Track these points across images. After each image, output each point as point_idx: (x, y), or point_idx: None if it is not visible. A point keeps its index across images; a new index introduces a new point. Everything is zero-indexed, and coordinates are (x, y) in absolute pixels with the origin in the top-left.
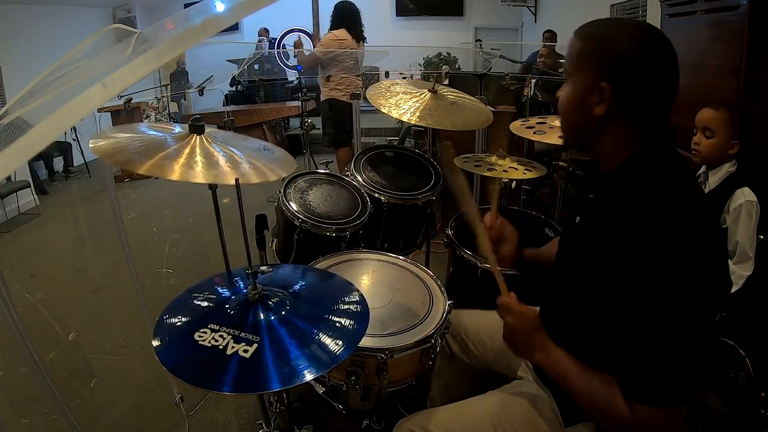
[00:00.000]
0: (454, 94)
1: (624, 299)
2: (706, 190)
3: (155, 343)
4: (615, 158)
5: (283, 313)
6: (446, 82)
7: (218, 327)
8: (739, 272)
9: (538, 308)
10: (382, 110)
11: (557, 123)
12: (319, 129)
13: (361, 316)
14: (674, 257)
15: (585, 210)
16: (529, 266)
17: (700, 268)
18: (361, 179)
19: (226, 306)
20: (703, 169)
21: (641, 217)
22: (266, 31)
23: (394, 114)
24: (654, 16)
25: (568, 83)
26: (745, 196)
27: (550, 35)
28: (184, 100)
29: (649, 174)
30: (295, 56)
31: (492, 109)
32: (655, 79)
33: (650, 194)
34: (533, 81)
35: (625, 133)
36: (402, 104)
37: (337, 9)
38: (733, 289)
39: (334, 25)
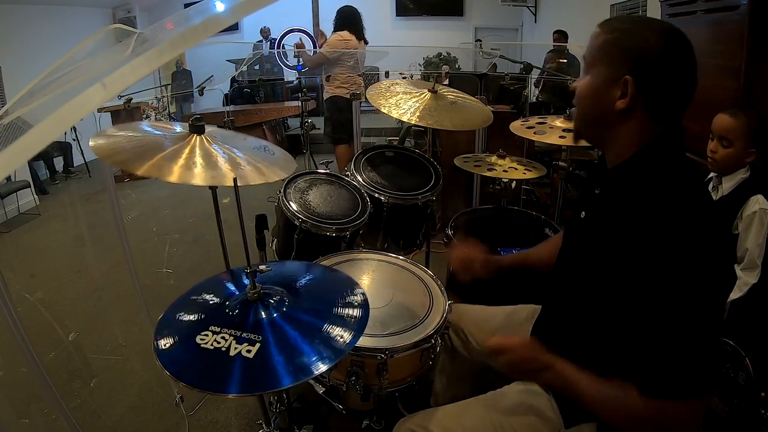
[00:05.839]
0: (454, 94)
1: (633, 294)
2: (719, 196)
3: (157, 347)
4: (623, 153)
5: (284, 309)
6: (446, 82)
7: (219, 329)
8: (745, 279)
9: (526, 335)
10: (382, 110)
11: (558, 123)
12: (318, 129)
13: (363, 308)
14: (682, 249)
15: (590, 205)
16: (512, 272)
17: (708, 258)
18: (361, 179)
19: (226, 307)
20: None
21: (648, 211)
22: (267, 31)
23: (394, 114)
24: (654, 16)
25: (587, 74)
26: (759, 203)
27: (559, 36)
28: (187, 101)
29: (657, 169)
30: (295, 56)
31: (492, 108)
32: (676, 76)
33: (657, 189)
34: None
35: (641, 129)
36: (402, 104)
37: (340, 13)
38: (737, 296)
39: (337, 28)
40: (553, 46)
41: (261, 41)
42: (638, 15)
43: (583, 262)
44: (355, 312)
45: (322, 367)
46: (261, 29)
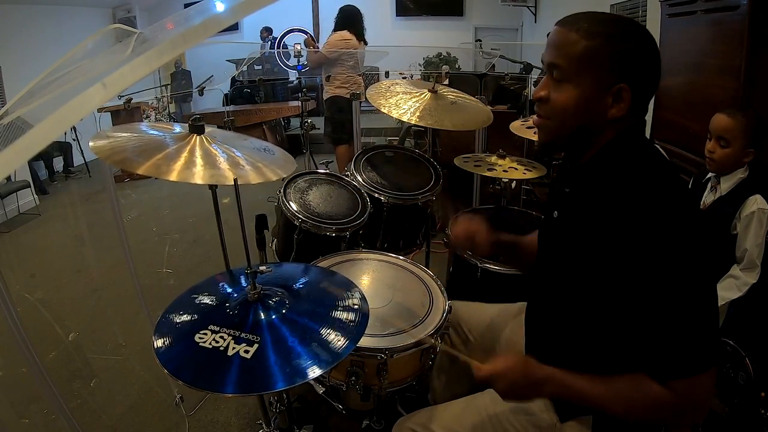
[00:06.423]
0: (454, 94)
1: (621, 285)
2: (718, 196)
3: (155, 344)
4: (594, 150)
5: (284, 311)
6: (446, 82)
7: (218, 328)
8: (745, 279)
9: (512, 355)
10: (382, 110)
11: None
12: (318, 129)
13: (362, 313)
14: (664, 231)
15: (562, 204)
16: (508, 250)
17: (689, 234)
18: (361, 179)
19: (226, 306)
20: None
21: (624, 201)
22: (267, 31)
23: (394, 114)
24: (654, 16)
25: (569, 84)
26: (757, 203)
27: None
28: (186, 101)
29: (626, 160)
30: (295, 56)
31: (492, 108)
32: (655, 73)
33: (630, 178)
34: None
35: (622, 126)
36: (402, 104)
37: (342, 12)
38: (736, 296)
39: (338, 27)
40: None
41: (265, 41)
42: (600, 12)
43: (563, 262)
44: (354, 316)
45: (318, 371)
46: (261, 30)
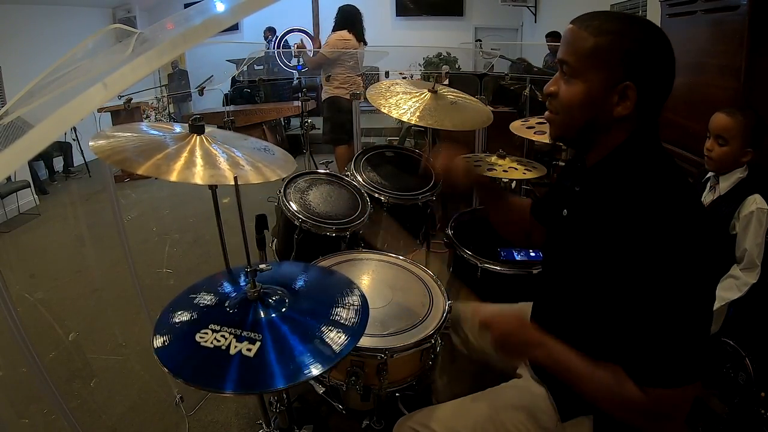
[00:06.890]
0: (454, 94)
1: (622, 287)
2: (717, 196)
3: (155, 344)
4: (604, 151)
5: (284, 310)
6: (446, 82)
7: (219, 327)
8: (745, 279)
9: (516, 305)
10: (382, 110)
11: None
12: (318, 129)
13: (362, 311)
14: (669, 239)
15: (572, 203)
16: (485, 192)
17: (694, 246)
18: (361, 179)
19: (226, 305)
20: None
21: (632, 205)
22: (271, 31)
23: (394, 114)
24: (654, 16)
25: (577, 80)
26: (756, 203)
27: (554, 38)
28: (185, 101)
29: (637, 163)
30: (295, 56)
31: (492, 108)
32: (666, 74)
33: (639, 182)
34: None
35: (630, 128)
36: (402, 104)
37: (341, 11)
38: (736, 296)
39: (338, 26)
40: (548, 48)
41: (269, 41)
42: (616, 11)
43: (570, 260)
44: (354, 315)
45: (320, 369)
46: (264, 30)
